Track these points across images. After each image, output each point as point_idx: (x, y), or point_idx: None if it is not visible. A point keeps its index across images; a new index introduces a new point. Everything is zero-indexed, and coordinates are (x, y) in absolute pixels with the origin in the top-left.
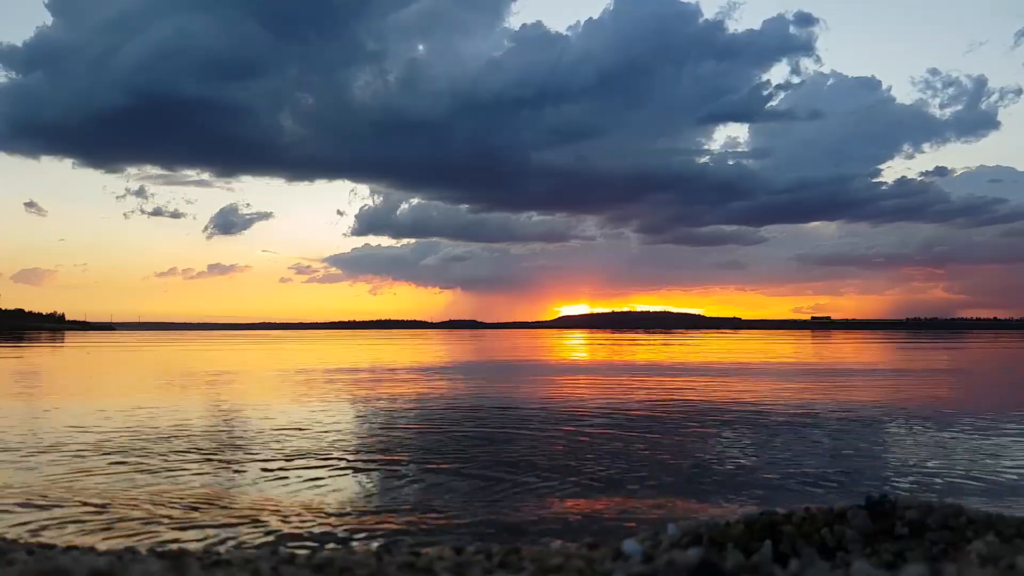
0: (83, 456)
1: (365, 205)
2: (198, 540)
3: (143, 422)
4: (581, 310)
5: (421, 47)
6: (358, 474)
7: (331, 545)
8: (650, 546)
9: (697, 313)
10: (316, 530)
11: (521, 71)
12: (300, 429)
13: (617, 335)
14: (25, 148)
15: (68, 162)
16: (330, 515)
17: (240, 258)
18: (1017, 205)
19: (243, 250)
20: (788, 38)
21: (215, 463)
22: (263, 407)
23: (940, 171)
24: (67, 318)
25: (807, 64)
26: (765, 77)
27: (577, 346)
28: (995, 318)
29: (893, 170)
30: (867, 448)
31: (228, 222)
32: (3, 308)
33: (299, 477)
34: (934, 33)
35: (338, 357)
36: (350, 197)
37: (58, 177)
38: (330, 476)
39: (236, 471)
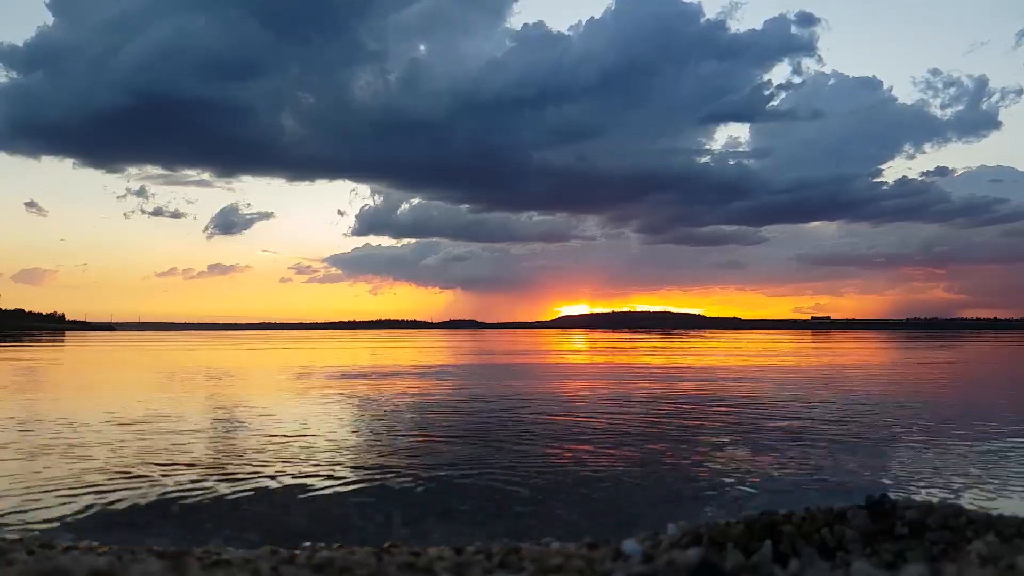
0: (83, 455)
1: (366, 205)
2: (198, 540)
3: (143, 422)
4: (581, 310)
5: (422, 47)
6: (358, 474)
7: (331, 545)
8: (650, 546)
9: (697, 313)
10: (316, 530)
11: (522, 71)
12: (301, 429)
13: (617, 335)
14: (26, 148)
15: (69, 162)
16: (330, 515)
17: (240, 258)
18: (1018, 205)
19: (243, 250)
20: (790, 38)
21: (216, 463)
22: (264, 407)
23: (941, 171)
24: (67, 318)
25: (808, 64)
26: (766, 77)
27: (577, 348)
28: (995, 318)
29: (894, 170)
30: (867, 448)
31: (228, 222)
32: (3, 308)
33: (299, 477)
34: (935, 33)
35: (340, 358)
36: (351, 197)
37: (59, 177)
38: (330, 476)
39: (237, 471)
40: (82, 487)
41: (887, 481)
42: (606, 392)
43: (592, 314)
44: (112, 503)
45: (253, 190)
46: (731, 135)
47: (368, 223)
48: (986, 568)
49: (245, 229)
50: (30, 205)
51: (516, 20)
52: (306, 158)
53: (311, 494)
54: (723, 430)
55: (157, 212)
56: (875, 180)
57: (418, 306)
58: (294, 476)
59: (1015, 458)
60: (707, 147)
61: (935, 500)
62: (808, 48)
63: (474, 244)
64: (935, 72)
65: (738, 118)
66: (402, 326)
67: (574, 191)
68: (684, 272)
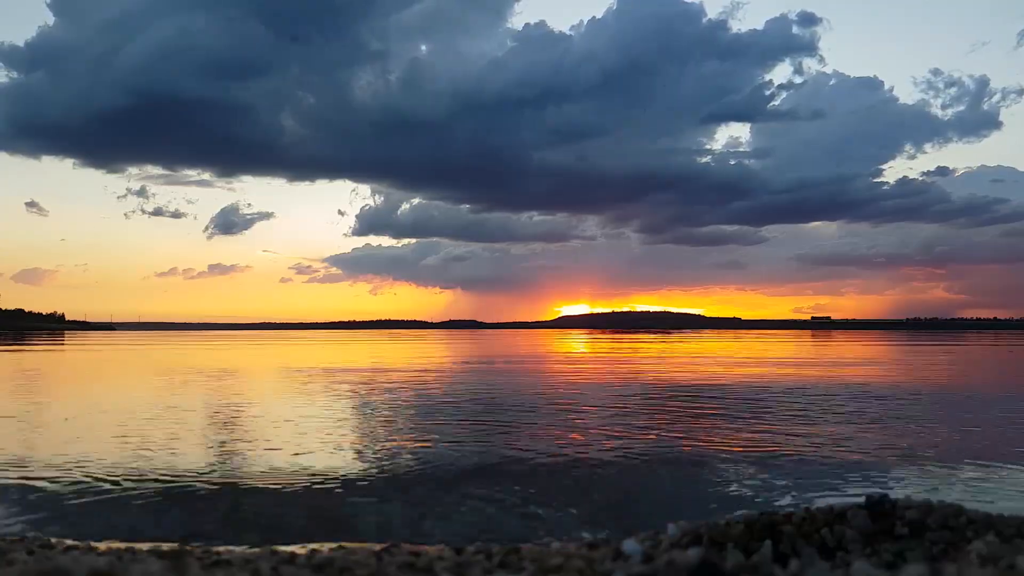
0: (83, 455)
1: (366, 205)
2: (198, 540)
3: (143, 422)
4: (581, 310)
5: (423, 47)
6: (358, 474)
7: (331, 545)
8: (650, 546)
9: (697, 313)
10: (316, 529)
11: (523, 71)
12: (300, 428)
13: (617, 336)
14: (26, 148)
15: (69, 162)
16: (330, 515)
17: (241, 258)
18: (1018, 205)
19: (244, 250)
20: (791, 38)
21: (216, 462)
22: (263, 406)
23: (941, 171)
24: (67, 318)
25: (810, 64)
26: (768, 77)
27: (576, 348)
28: (995, 318)
29: (895, 170)
30: (867, 448)
31: (229, 222)
32: (3, 308)
33: (299, 477)
34: (936, 33)
35: (340, 358)
36: (351, 197)
37: (59, 177)
38: (330, 476)
39: (237, 470)
40: (81, 487)
41: (887, 481)
42: (606, 392)
43: (592, 314)
44: (112, 503)
45: (253, 190)
46: (732, 135)
47: (368, 223)
48: (986, 568)
49: (245, 229)
50: (31, 205)
51: (518, 20)
52: (306, 158)
53: (311, 494)
54: (724, 430)
55: (157, 212)
56: (876, 180)
57: (418, 306)
58: (294, 476)
59: (1015, 458)
60: (708, 147)
61: (935, 500)
62: (809, 48)
63: (474, 244)
64: (936, 72)
65: (739, 118)
66: (402, 326)
67: (574, 191)
68: (684, 272)
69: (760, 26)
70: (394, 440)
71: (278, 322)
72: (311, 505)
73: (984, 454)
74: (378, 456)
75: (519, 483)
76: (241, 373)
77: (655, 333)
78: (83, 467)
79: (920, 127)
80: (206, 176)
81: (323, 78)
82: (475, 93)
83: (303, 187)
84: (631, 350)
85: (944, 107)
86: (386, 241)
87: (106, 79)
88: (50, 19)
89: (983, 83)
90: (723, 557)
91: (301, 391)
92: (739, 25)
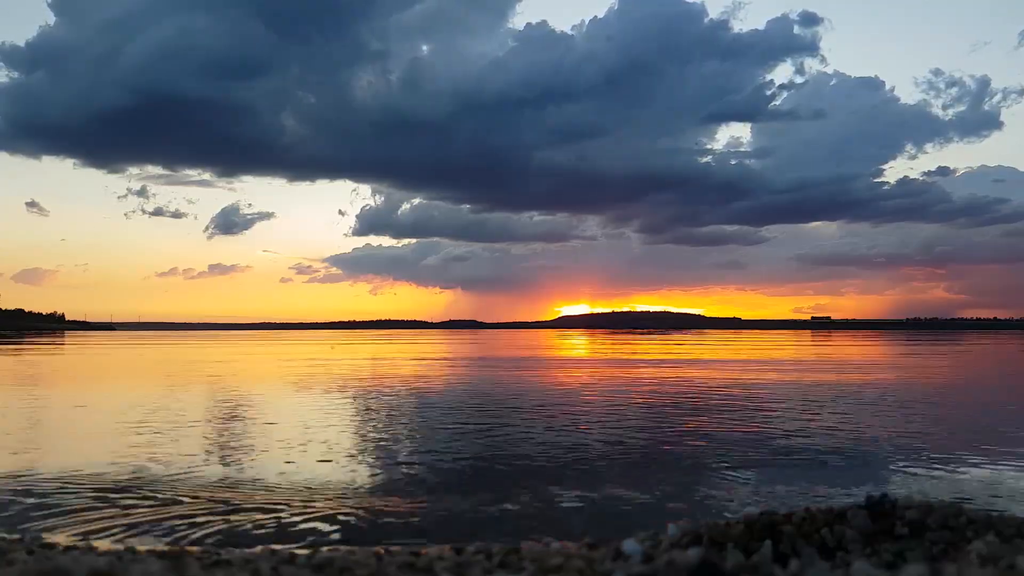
0: (82, 454)
1: (366, 205)
2: (198, 540)
3: (142, 421)
4: (581, 310)
5: (425, 47)
6: (359, 474)
7: (331, 545)
8: (650, 546)
9: (697, 313)
10: (316, 529)
11: (524, 71)
12: (300, 428)
13: (617, 336)
14: (27, 148)
15: (70, 162)
16: (330, 514)
17: (241, 258)
18: (1019, 205)
19: (244, 250)
20: (792, 38)
21: (216, 462)
22: (263, 406)
23: (942, 171)
24: (67, 318)
25: (811, 64)
26: (769, 77)
27: (575, 349)
28: (995, 318)
29: (895, 170)
30: (868, 447)
31: (229, 222)
32: (3, 308)
33: (299, 477)
34: (937, 33)
35: (340, 357)
36: (351, 197)
37: (59, 177)
38: (330, 476)
39: (237, 470)
40: (81, 486)
41: (887, 481)
42: (606, 393)
43: (592, 314)
44: (112, 503)
45: (254, 190)
46: (733, 135)
47: (369, 223)
48: (986, 568)
49: (246, 229)
50: (31, 205)
51: (519, 20)
52: (307, 158)
53: (311, 494)
54: (724, 430)
55: (158, 212)
56: (876, 180)
57: (418, 306)
58: (294, 475)
59: (1015, 458)
60: (708, 147)
61: (935, 500)
62: (811, 48)
63: (474, 244)
64: (937, 72)
65: (740, 118)
66: (402, 326)
67: (575, 191)
68: (684, 272)
69: (762, 26)
70: (394, 440)
71: (278, 322)
72: (312, 505)
73: (984, 454)
74: (378, 456)
75: (519, 483)
76: (241, 373)
77: (655, 333)
78: (83, 467)
79: (921, 127)
80: (206, 176)
81: (324, 78)
82: (476, 93)
83: (303, 187)
84: (631, 351)
85: (945, 107)
86: (386, 241)
87: (107, 79)
88: (51, 19)
89: (984, 83)
90: (723, 557)
91: (301, 391)
92: (741, 25)
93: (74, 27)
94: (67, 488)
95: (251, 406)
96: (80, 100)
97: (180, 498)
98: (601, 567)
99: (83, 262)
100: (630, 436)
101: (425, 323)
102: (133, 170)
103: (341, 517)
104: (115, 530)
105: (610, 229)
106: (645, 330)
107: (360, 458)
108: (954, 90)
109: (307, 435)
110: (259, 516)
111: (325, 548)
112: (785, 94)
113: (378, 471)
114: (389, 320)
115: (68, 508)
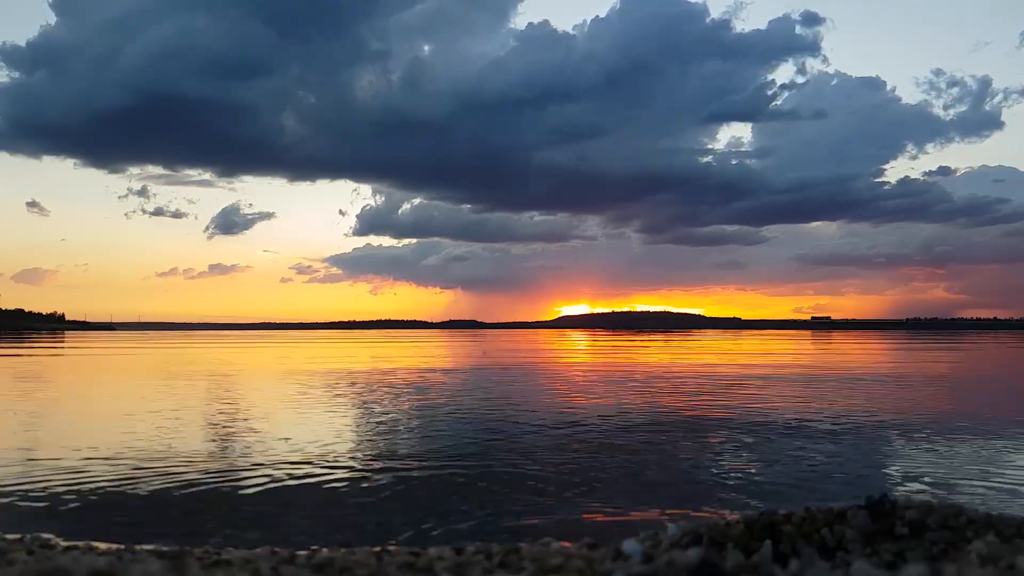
0: (81, 454)
1: (367, 205)
2: (198, 540)
3: (142, 421)
4: (581, 310)
5: (426, 47)
6: (359, 474)
7: (331, 545)
8: (650, 546)
9: (697, 313)
10: (316, 530)
11: (525, 71)
12: (300, 428)
13: (617, 336)
14: (27, 148)
15: (70, 162)
16: (330, 515)
17: (241, 258)
18: (1019, 205)
19: (244, 250)
20: (794, 38)
21: (215, 462)
22: (263, 406)
23: (943, 171)
24: (67, 318)
25: (813, 64)
26: (770, 77)
27: (576, 349)
28: (995, 318)
29: (896, 170)
30: (867, 449)
31: (229, 222)
32: (3, 308)
33: (299, 477)
34: (938, 33)
35: (340, 358)
36: (352, 197)
37: (60, 177)
38: (330, 476)
39: (237, 470)
40: (81, 486)
41: (887, 481)
42: (606, 393)
43: (592, 314)
44: (112, 503)
45: (254, 190)
46: (733, 135)
47: (369, 223)
48: (986, 568)
49: (246, 229)
50: (31, 205)
51: (521, 20)
52: (307, 158)
53: (311, 494)
54: (724, 431)
55: (158, 212)
56: (877, 180)
57: (418, 306)
58: (294, 476)
59: (1015, 458)
60: (709, 147)
61: (935, 500)
62: (812, 48)
63: (475, 244)
64: (938, 72)
65: (740, 118)
66: (402, 326)
67: (575, 191)
68: (684, 272)
69: (763, 26)
70: (394, 440)
71: (278, 322)
72: (311, 505)
73: (984, 453)
74: (378, 456)
75: (519, 484)
76: (241, 374)
77: (655, 333)
78: (83, 467)
79: (922, 127)
80: (207, 176)
81: (324, 78)
82: (477, 93)
83: (304, 187)
84: (631, 352)
85: (946, 107)
86: (386, 241)
87: (107, 79)
88: (52, 19)
89: (985, 83)
90: (723, 557)
91: (300, 391)
92: (742, 25)
93: (75, 27)
94: (67, 488)
95: (251, 406)
96: (81, 100)
97: (180, 498)
98: (601, 567)
99: (83, 262)
100: (630, 436)
101: (425, 323)
102: (133, 170)
103: (341, 517)
104: (115, 530)
105: (610, 229)
106: (646, 330)
107: (360, 458)
108: (955, 90)
109: (307, 435)
110: (259, 516)
111: (325, 548)
112: (786, 94)
113: (377, 471)
114: (389, 320)
115: (68, 508)
